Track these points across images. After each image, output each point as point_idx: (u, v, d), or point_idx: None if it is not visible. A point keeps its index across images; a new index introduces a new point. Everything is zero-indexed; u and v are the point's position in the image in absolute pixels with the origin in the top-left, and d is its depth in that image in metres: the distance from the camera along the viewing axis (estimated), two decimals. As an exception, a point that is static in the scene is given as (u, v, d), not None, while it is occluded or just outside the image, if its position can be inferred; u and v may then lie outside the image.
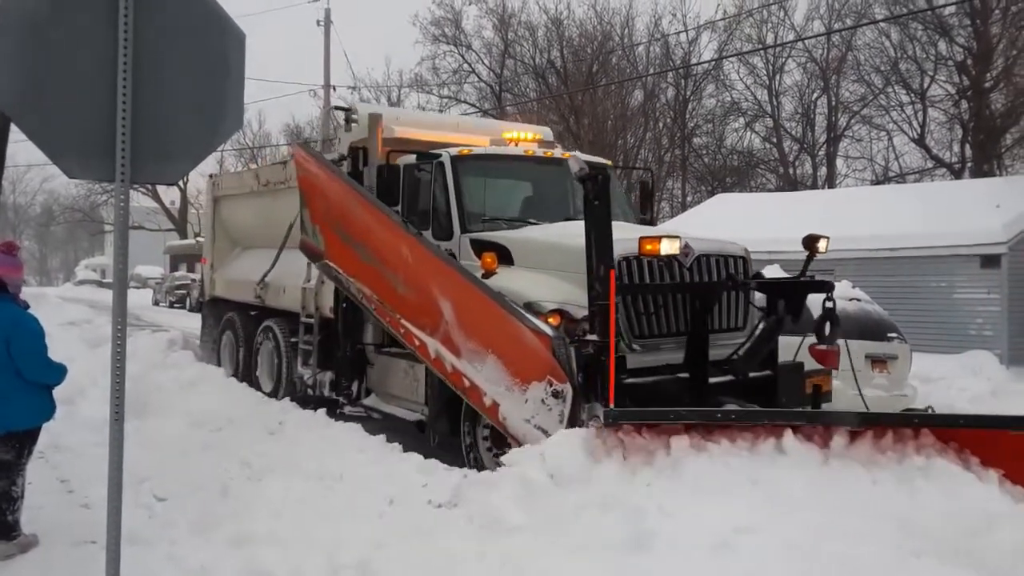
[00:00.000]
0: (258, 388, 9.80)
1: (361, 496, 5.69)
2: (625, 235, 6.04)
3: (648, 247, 5.65)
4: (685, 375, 6.33)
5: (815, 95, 32.03)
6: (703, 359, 6.33)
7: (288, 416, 8.02)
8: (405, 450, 6.51)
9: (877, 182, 30.03)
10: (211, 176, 12.82)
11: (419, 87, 36.06)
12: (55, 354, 5.09)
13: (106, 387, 3.56)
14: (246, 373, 10.39)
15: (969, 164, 26.35)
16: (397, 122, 8.64)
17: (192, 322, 24.82)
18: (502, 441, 6.23)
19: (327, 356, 8.73)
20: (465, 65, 34.67)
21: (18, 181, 66.26)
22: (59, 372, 5.05)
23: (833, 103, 31.45)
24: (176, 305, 34.01)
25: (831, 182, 31.24)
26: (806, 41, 29.98)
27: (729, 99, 33.36)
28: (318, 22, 29.61)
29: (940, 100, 27.64)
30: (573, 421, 5.45)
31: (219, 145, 3.76)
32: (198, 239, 48.73)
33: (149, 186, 55.21)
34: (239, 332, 10.82)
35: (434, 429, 7.07)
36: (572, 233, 6.77)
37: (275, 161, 14.15)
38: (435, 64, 34.71)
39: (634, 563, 3.94)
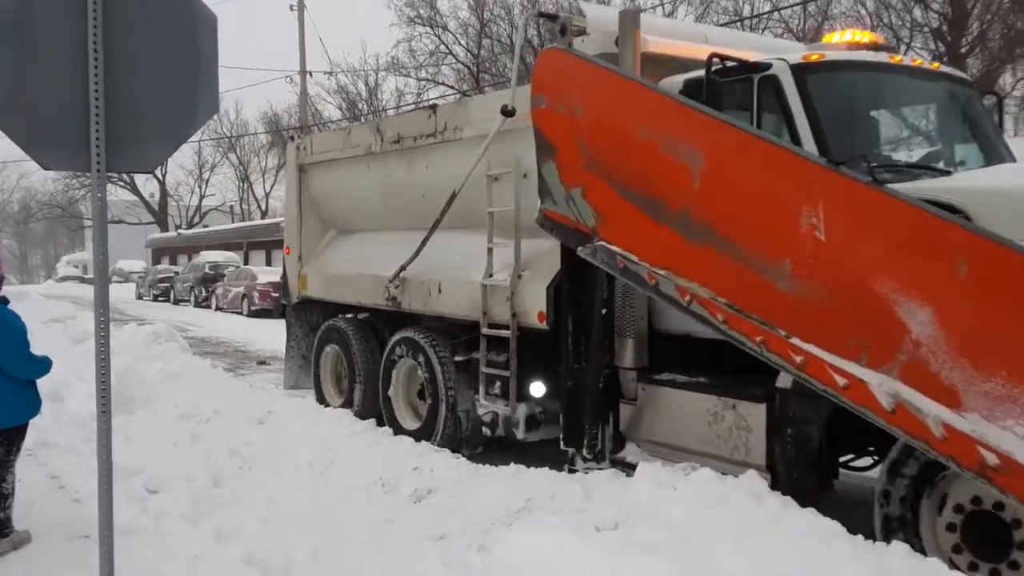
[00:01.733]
0: (392, 424, 7.32)
1: (352, 482, 5.70)
2: None
3: None
4: None
5: (793, 66, 32.05)
6: None
7: (276, 404, 8.00)
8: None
9: (856, 151, 30.07)
10: (293, 139, 9.84)
11: (396, 70, 35.80)
12: (39, 351, 5.05)
13: (92, 382, 3.54)
14: (368, 404, 7.78)
15: (947, 130, 26.47)
16: (644, 30, 5.51)
17: (174, 314, 24.86)
18: (986, 546, 3.78)
19: (526, 383, 6.21)
20: (442, 47, 34.45)
21: (-6, 178, 65.59)
22: (43, 365, 5.01)
23: (811, 73, 31.46)
24: (160, 298, 33.81)
25: (811, 153, 31.30)
26: (782, 11, 29.95)
27: (707, 72, 33.26)
28: (291, 7, 29.35)
29: (917, 67, 27.75)
30: None
31: (195, 132, 3.71)
32: (179, 232, 48.49)
33: (127, 179, 54.82)
34: (352, 346, 7.98)
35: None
36: None
37: (408, 108, 9.76)
38: (411, 46, 34.42)
39: None
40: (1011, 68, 22.92)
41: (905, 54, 27.91)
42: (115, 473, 3.65)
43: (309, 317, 9.21)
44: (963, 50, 25.18)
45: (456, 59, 34.85)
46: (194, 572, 4.31)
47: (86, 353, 8.92)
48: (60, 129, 3.33)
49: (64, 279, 54.18)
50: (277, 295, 25.91)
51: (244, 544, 4.65)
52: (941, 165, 5.16)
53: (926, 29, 26.34)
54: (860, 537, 3.67)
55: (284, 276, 9.55)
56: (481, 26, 33.75)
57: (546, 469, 5.38)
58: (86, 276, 52.45)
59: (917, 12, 26.30)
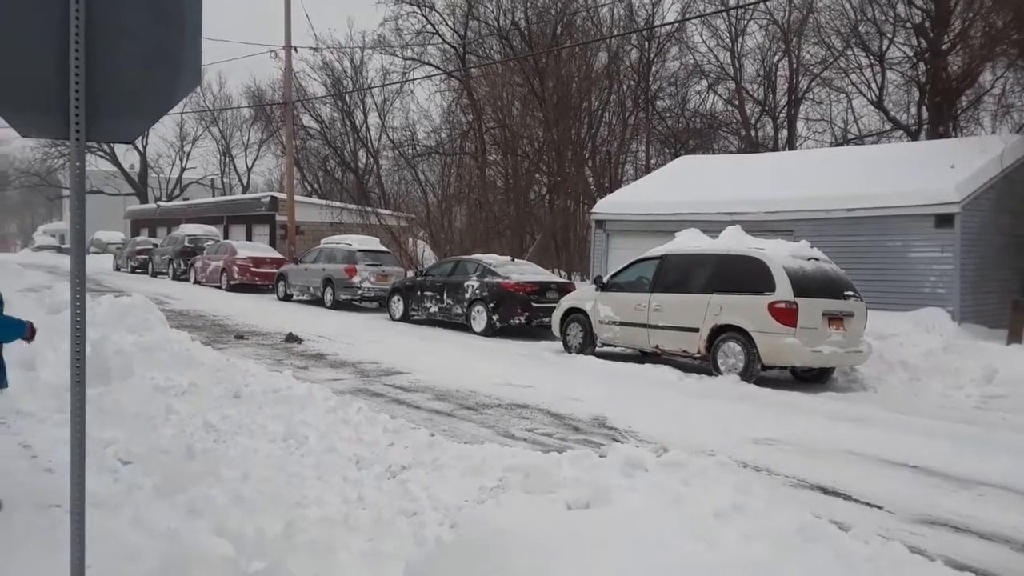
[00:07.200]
0: None
1: (327, 459, 5.74)
2: None
3: None
4: None
5: (776, 57, 32.10)
6: None
7: (253, 379, 8.01)
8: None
9: (836, 144, 30.28)
10: None
11: (382, 49, 35.49)
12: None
13: (67, 352, 3.53)
14: None
15: (925, 126, 26.67)
16: None
17: (152, 287, 24.64)
18: None
19: None
20: (428, 26, 34.17)
21: (-31, 146, 64.43)
22: (14, 329, 4.86)
23: (794, 65, 31.55)
24: (138, 271, 33.48)
25: (792, 144, 31.44)
26: (768, 3, 29.98)
27: (692, 61, 33.34)
28: (277, -19, 28.95)
29: (898, 62, 27.84)
30: None
31: (177, 102, 3.68)
32: (159, 204, 47.98)
33: (107, 149, 54.18)
34: None
35: None
36: None
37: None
38: (398, 25, 34.13)
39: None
40: (991, 65, 23.10)
41: (887, 49, 27.81)
42: (88, 443, 3.65)
43: None
44: (944, 47, 25.38)
45: (443, 39, 34.62)
46: (166, 545, 4.33)
47: (62, 323, 8.86)
48: (38, 95, 3.29)
49: (41, 248, 53.55)
50: (257, 269, 25.42)
51: (217, 518, 4.65)
52: None
53: (909, 25, 26.50)
54: (814, 517, 3.74)
55: None
56: (468, 7, 33.53)
57: (520, 448, 5.45)
58: (63, 245, 51.97)
59: (900, 8, 26.43)
